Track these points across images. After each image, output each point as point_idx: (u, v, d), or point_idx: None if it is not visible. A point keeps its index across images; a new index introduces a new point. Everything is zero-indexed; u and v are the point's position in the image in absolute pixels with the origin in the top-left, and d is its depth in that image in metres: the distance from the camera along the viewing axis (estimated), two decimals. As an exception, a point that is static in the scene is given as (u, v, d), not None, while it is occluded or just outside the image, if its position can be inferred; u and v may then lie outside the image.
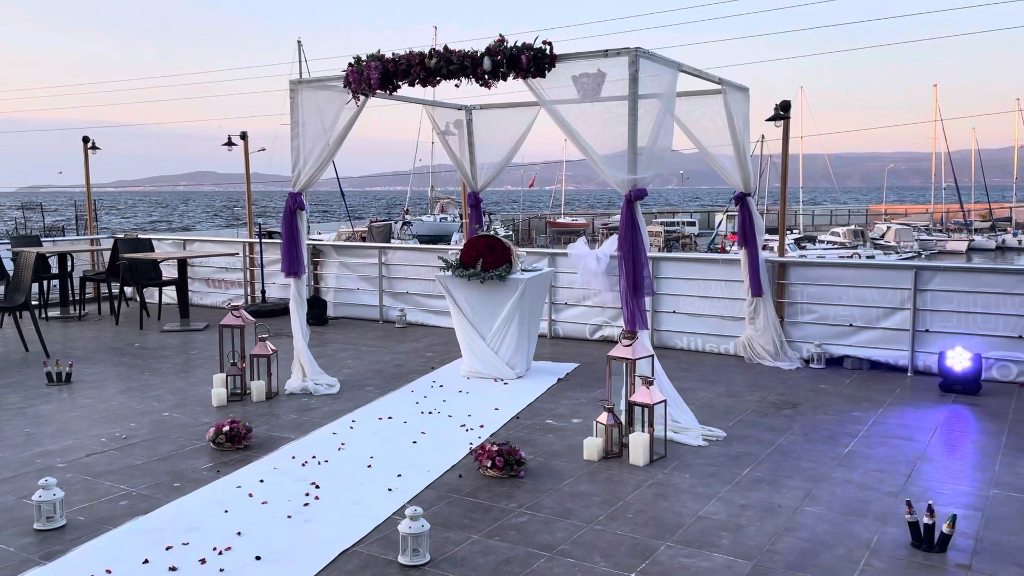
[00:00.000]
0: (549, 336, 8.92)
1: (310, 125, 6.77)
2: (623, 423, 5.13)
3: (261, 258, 10.75)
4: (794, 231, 45.06)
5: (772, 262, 7.84)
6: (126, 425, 5.78)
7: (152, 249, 10.49)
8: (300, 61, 38.35)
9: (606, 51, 5.58)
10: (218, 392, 6.28)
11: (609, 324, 8.67)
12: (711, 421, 5.73)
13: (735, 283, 7.94)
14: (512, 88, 7.25)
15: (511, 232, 48.60)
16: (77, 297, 10.94)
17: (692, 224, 54.08)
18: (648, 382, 5.02)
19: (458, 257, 7.02)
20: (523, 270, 7.13)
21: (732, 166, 7.51)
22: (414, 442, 5.34)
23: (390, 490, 4.50)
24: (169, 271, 10.39)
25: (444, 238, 47.81)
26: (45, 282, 10.60)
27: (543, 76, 5.73)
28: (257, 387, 6.40)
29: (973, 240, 47.80)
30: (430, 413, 6.01)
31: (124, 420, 5.90)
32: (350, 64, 6.34)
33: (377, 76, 6.16)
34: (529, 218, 54.99)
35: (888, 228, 47.76)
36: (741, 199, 7.67)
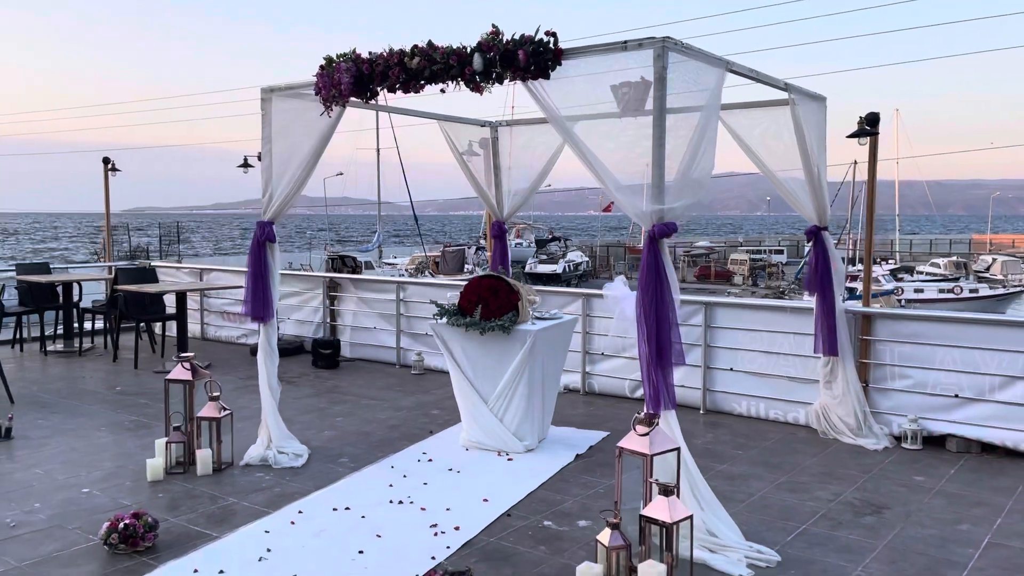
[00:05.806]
0: (583, 392, 7.56)
1: (283, 141, 5.67)
2: (634, 542, 3.77)
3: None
4: (889, 261, 42.07)
5: (855, 313, 6.32)
6: (28, 506, 4.71)
7: (156, 279, 9.62)
8: None
9: (625, 43, 4.28)
10: (154, 464, 5.17)
11: (654, 380, 7.24)
12: (761, 534, 4.29)
13: (808, 336, 6.44)
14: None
15: (587, 258, 47.24)
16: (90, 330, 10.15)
17: (780, 252, 51.46)
18: (667, 491, 3.63)
19: (456, 302, 5.78)
20: (536, 318, 5.83)
21: (803, 193, 6.08)
22: (360, 552, 4.07)
23: (291, 640, 3.25)
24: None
25: (519, 263, 46.72)
26: (54, 313, 9.83)
27: (546, 76, 4.46)
28: (202, 458, 5.27)
29: None
30: (400, 503, 4.74)
31: (30, 498, 4.83)
32: (321, 67, 5.22)
33: (348, 81, 5.00)
34: (607, 244, 53.39)
35: (994, 260, 44.30)
36: (815, 234, 6.20)
